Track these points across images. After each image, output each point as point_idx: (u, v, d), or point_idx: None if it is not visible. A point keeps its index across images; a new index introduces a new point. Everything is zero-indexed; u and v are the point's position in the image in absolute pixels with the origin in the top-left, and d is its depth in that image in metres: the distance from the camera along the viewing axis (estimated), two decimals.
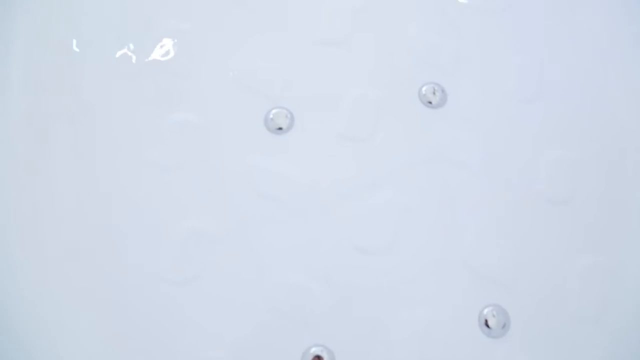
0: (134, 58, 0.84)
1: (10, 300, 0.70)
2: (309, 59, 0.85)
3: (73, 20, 0.86)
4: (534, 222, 0.77)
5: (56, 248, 0.73)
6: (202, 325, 0.71)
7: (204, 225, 0.75)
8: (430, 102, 0.82)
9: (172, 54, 0.85)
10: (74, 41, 0.84)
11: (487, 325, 0.71)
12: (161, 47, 0.85)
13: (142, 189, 0.77)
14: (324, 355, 0.69)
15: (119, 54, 0.85)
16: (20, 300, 0.70)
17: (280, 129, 0.79)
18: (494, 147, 0.81)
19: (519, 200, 0.78)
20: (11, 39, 0.82)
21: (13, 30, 0.83)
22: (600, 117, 0.83)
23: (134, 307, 0.71)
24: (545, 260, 0.75)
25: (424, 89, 0.83)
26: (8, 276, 0.71)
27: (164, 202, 0.76)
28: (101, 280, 0.72)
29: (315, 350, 0.69)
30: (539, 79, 0.86)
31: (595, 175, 0.80)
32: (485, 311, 0.72)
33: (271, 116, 0.80)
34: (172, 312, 0.71)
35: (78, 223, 0.74)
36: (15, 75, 0.80)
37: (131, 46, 0.85)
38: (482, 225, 0.77)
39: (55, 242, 0.73)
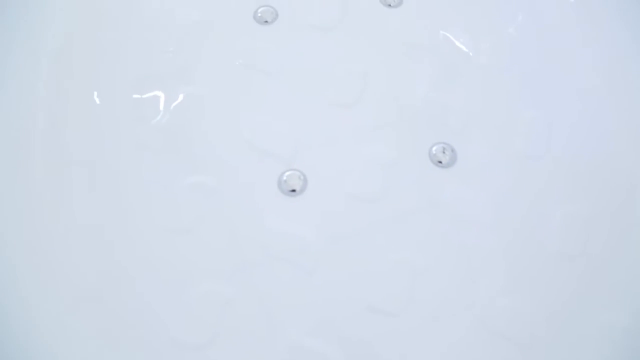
0: (151, 119, 0.87)
1: (26, 342, 0.70)
2: (321, 121, 0.87)
3: (94, 73, 0.89)
4: (548, 279, 0.77)
5: (69, 293, 0.74)
6: None
7: (218, 287, 0.75)
8: (440, 162, 0.84)
9: (188, 116, 0.87)
10: (95, 93, 0.87)
11: None
12: (178, 109, 0.88)
13: (156, 250, 0.78)
14: None
15: (136, 114, 0.87)
16: (36, 341, 0.70)
17: (293, 191, 0.81)
18: (506, 204, 0.81)
19: (532, 257, 0.78)
20: (36, 88, 0.86)
21: (38, 79, 0.86)
22: (610, 171, 0.84)
23: None
24: (561, 318, 0.74)
25: (434, 148, 0.85)
26: (24, 320, 0.71)
27: (178, 264, 0.77)
28: (111, 334, 0.72)
29: None
30: (548, 134, 0.87)
31: (607, 229, 0.80)
32: None
33: (284, 178, 0.81)
34: None
35: (91, 274, 0.75)
36: (39, 124, 0.83)
37: (148, 107, 0.88)
38: (497, 283, 0.77)
39: (69, 288, 0.74)
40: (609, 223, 0.80)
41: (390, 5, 0.99)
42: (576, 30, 0.94)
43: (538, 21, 0.97)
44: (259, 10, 0.97)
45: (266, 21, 0.96)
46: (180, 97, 0.89)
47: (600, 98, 0.89)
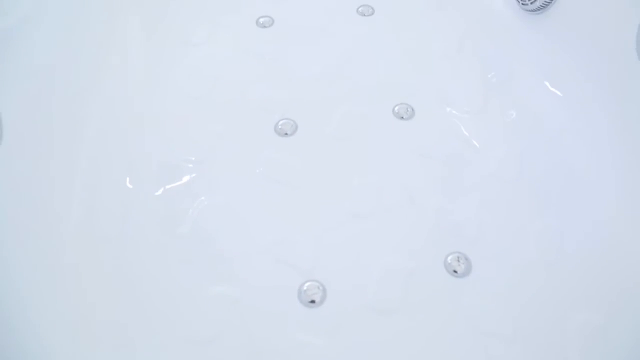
0: (175, 228, 0.91)
1: None
2: (339, 232, 0.90)
3: (128, 164, 0.95)
4: None
5: None
6: None
7: None
8: (455, 272, 0.86)
9: (209, 225, 0.91)
10: (128, 179, 0.92)
11: None
12: (200, 218, 0.92)
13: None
14: None
15: (160, 222, 0.91)
16: None
17: (313, 302, 0.82)
18: (523, 314, 0.82)
19: None
20: (74, 173, 0.90)
21: (76, 167, 0.91)
22: (623, 277, 0.84)
23: None
24: None
25: (449, 258, 0.87)
26: None
27: None
28: None
29: None
30: (559, 241, 0.89)
31: (624, 338, 0.80)
32: None
33: (305, 289, 0.84)
34: None
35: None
36: (75, 207, 0.87)
37: (172, 216, 0.92)
38: None
39: None
40: (625, 331, 0.80)
41: (403, 117, 1.04)
42: (577, 133, 0.97)
43: (545, 129, 1.01)
44: (280, 123, 1.03)
45: (286, 134, 1.02)
46: (203, 205, 0.93)
47: (611, 203, 0.91)
